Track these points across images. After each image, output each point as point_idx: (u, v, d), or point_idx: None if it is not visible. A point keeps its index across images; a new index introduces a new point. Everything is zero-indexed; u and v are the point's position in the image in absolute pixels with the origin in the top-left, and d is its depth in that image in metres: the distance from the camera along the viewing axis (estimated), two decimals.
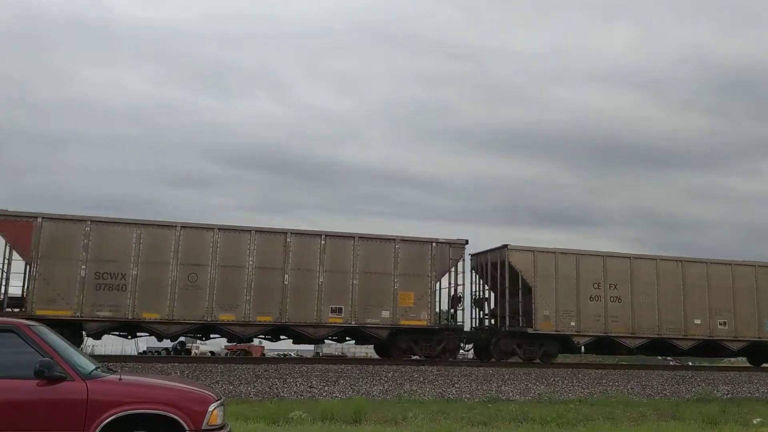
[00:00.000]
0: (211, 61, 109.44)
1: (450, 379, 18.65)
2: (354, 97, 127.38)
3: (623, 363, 23.12)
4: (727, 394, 20.08)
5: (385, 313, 20.15)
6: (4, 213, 18.00)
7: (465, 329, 22.00)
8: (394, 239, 20.56)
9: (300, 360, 19.27)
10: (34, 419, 5.89)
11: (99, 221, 18.55)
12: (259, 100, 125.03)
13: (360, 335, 20.99)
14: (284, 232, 19.74)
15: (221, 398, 6.68)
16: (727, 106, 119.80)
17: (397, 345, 20.58)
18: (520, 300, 21.63)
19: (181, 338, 20.75)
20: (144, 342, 37.10)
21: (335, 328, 20.01)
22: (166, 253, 18.71)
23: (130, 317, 18.35)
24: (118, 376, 6.48)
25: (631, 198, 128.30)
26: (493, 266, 22.51)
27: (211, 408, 6.27)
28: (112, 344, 24.21)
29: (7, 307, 18.05)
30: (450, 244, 21.13)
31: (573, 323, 21.64)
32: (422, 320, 20.41)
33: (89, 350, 22.55)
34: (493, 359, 21.65)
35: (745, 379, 21.55)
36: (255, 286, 19.17)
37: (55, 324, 15.68)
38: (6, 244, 18.16)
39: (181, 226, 18.98)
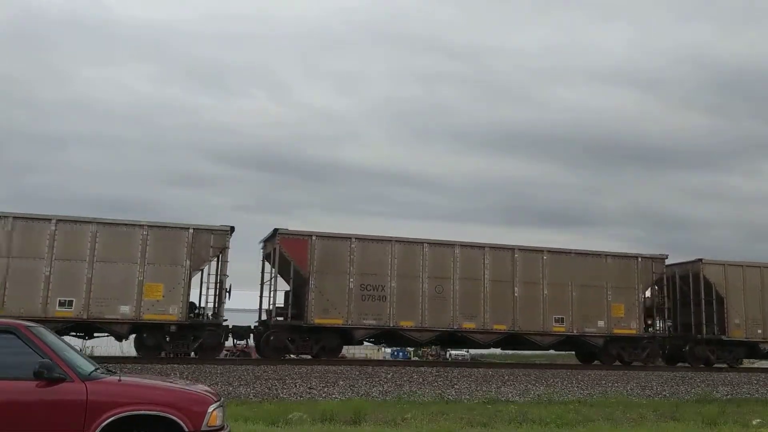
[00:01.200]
0: (210, 60, 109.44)
1: (449, 380, 18.65)
2: (353, 97, 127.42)
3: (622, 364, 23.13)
4: (727, 395, 20.08)
5: (600, 323, 21.86)
6: (286, 232, 19.82)
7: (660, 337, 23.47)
8: (606, 255, 22.38)
9: (299, 361, 19.23)
10: (33, 420, 5.89)
11: (362, 238, 20.38)
12: (259, 99, 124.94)
13: (578, 343, 22.42)
14: (511, 249, 21.59)
15: (221, 399, 6.68)
16: (728, 106, 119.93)
17: (608, 352, 22.27)
18: (714, 310, 23.23)
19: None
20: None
21: (558, 336, 21.61)
22: (416, 267, 20.56)
23: (390, 325, 20.05)
24: (118, 377, 6.47)
25: (631, 197, 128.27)
26: (682, 278, 24.12)
27: (210, 409, 6.27)
28: (111, 345, 24.15)
29: (277, 316, 20.16)
30: (652, 258, 22.79)
31: (759, 330, 23.50)
32: (632, 329, 22.13)
33: (88, 351, 22.58)
34: (686, 364, 23.47)
35: (744, 380, 21.56)
36: (491, 297, 20.93)
37: (330, 330, 19.70)
38: (290, 261, 19.80)
39: (427, 243, 20.85)
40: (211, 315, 19.19)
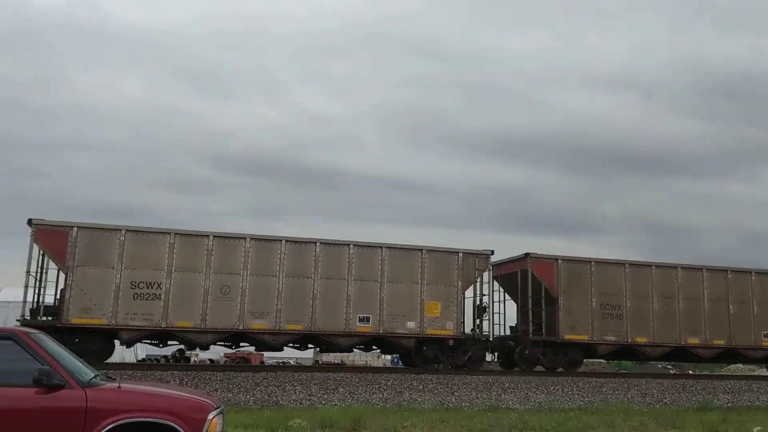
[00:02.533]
0: (207, 65, 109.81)
1: (450, 387, 18.61)
2: (350, 101, 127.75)
3: (623, 371, 23.10)
4: (728, 403, 20.04)
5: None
6: (536, 256, 21.52)
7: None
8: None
9: (299, 368, 19.20)
10: (33, 427, 5.88)
11: (600, 262, 22.15)
12: (255, 104, 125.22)
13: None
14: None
15: (220, 406, 6.67)
16: (726, 112, 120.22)
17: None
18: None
19: (181, 346, 20.68)
20: (143, 350, 36.94)
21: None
22: (646, 287, 22.25)
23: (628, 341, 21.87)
24: (117, 384, 6.45)
25: (629, 203, 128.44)
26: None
27: (210, 416, 6.25)
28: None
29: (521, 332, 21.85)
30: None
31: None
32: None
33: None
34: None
35: (745, 387, 21.51)
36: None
37: (576, 345, 21.40)
38: (542, 282, 21.39)
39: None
40: (472, 331, 20.93)
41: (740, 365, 34.02)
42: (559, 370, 21.36)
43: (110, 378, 6.90)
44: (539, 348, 21.33)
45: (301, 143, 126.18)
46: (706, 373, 28.14)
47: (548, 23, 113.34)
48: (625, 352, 22.71)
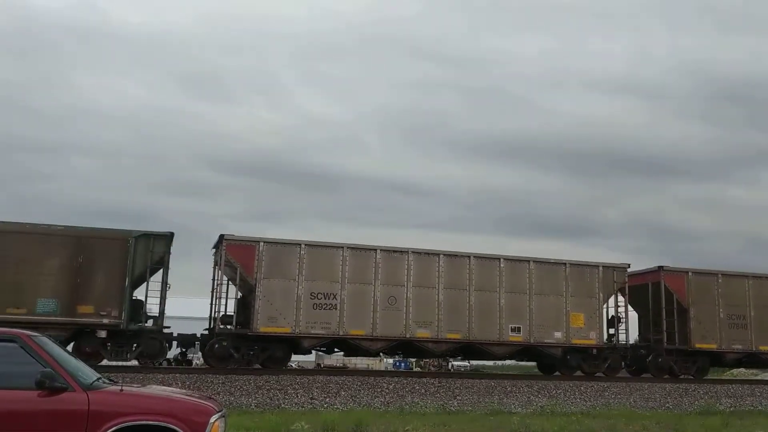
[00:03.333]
0: (207, 67, 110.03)
1: (452, 391, 18.59)
2: (351, 104, 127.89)
3: (624, 376, 23.05)
4: (730, 407, 19.99)
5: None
6: (670, 269, 22.71)
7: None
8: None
9: (301, 371, 19.21)
10: (35, 430, 5.89)
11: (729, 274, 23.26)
12: (256, 106, 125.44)
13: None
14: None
15: (222, 409, 6.67)
16: (727, 115, 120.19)
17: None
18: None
19: (182, 348, 20.72)
20: None
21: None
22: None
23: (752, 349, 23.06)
24: (119, 387, 6.47)
25: (631, 207, 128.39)
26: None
27: (212, 419, 6.26)
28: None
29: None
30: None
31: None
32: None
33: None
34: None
35: (747, 392, 21.47)
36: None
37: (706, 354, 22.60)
38: (674, 294, 22.56)
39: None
40: (608, 340, 22.12)
41: (743, 369, 33.94)
42: (684, 376, 22.51)
43: (112, 381, 6.91)
44: (672, 356, 22.57)
45: (302, 146, 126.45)
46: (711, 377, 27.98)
47: (550, 27, 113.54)
48: (749, 359, 23.96)
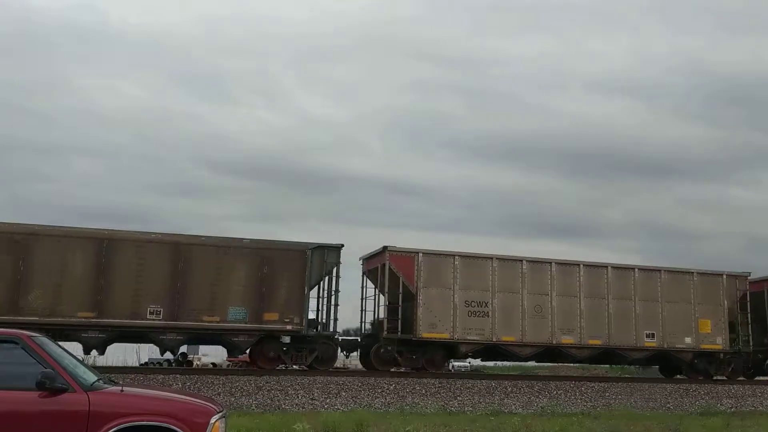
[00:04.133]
0: (207, 68, 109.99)
1: (452, 391, 18.58)
2: (352, 106, 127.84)
3: (627, 376, 23.10)
4: (731, 408, 19.98)
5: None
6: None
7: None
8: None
9: (301, 372, 19.19)
10: (35, 431, 5.88)
11: None
12: (257, 108, 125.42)
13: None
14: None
15: (223, 410, 6.67)
16: (727, 115, 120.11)
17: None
18: None
19: (183, 349, 20.83)
20: (146, 353, 36.94)
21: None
22: None
23: None
24: (120, 388, 6.47)
25: (631, 208, 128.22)
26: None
27: (212, 420, 6.25)
28: (113, 355, 24.22)
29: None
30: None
31: None
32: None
33: (91, 361, 22.57)
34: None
35: (748, 392, 21.45)
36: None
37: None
38: None
39: None
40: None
41: None
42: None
43: (113, 382, 6.90)
44: None
45: (303, 147, 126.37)
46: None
47: (550, 27, 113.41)
48: None
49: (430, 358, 20.29)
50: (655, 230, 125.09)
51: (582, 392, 19.64)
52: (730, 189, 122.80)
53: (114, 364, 21.38)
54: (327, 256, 19.59)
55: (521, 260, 21.16)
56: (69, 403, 5.95)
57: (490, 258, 20.90)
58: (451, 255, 20.63)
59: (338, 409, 16.71)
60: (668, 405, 19.81)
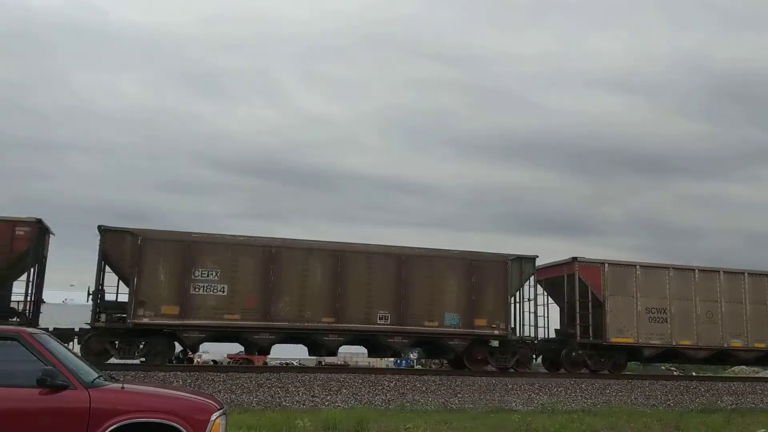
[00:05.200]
0: (207, 66, 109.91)
1: (453, 389, 18.59)
2: (352, 103, 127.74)
3: (627, 373, 23.11)
4: (732, 405, 19.99)
5: None
6: None
7: None
8: None
9: (302, 369, 19.23)
10: (36, 428, 5.89)
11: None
12: (256, 106, 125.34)
13: None
14: None
15: (224, 407, 6.66)
16: (727, 112, 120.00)
17: None
18: None
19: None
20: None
21: None
22: None
23: None
24: (121, 385, 6.47)
25: (632, 205, 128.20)
26: None
27: (213, 417, 6.25)
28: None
29: None
30: None
31: None
32: None
33: None
34: None
35: (749, 389, 21.46)
36: None
37: None
38: None
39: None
40: None
41: (744, 367, 33.98)
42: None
43: (113, 379, 6.90)
44: None
45: (302, 145, 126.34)
46: (710, 374, 28.08)
47: (550, 24, 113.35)
48: None
49: (616, 361, 22.16)
50: (656, 227, 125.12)
51: (582, 389, 19.65)
52: (730, 186, 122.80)
53: (114, 361, 21.29)
54: (524, 266, 21.21)
55: (693, 269, 23.04)
56: (70, 400, 5.94)
57: (666, 268, 22.74)
58: (633, 265, 22.53)
59: (339, 406, 16.72)
60: (668, 402, 19.82)
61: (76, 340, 18.15)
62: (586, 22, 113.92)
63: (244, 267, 18.84)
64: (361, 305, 19.49)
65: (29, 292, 18.81)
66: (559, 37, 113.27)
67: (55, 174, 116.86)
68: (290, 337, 19.66)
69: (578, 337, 21.66)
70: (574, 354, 21.73)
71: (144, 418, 6.03)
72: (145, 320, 17.91)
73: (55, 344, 6.61)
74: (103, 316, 18.17)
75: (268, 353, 21.59)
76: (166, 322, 18.14)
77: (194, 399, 6.60)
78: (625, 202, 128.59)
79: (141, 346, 18.39)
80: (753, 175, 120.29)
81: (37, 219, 18.30)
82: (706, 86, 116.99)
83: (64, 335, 17.64)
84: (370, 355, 23.36)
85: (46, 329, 16.95)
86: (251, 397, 16.95)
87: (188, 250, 18.48)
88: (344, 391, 17.77)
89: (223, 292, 18.54)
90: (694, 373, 23.02)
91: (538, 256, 21.53)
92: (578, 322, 21.74)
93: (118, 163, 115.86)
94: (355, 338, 20.02)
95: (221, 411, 6.45)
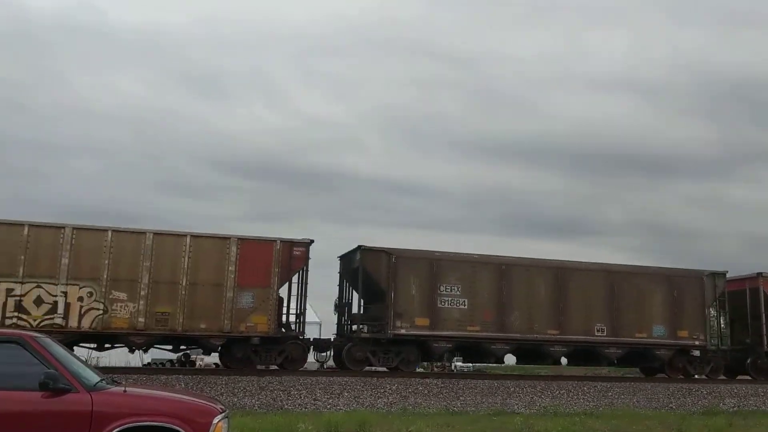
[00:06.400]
0: (207, 67, 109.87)
1: (455, 391, 18.58)
2: (352, 104, 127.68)
3: (629, 376, 23.17)
4: (734, 407, 19.96)
5: None
6: None
7: None
8: None
9: (304, 372, 19.22)
10: (39, 431, 5.90)
11: None
12: (256, 107, 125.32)
13: None
14: None
15: (226, 410, 6.68)
16: (728, 113, 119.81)
17: None
18: None
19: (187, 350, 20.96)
20: (149, 354, 36.93)
21: None
22: None
23: None
24: (123, 388, 6.48)
25: (632, 207, 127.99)
26: None
27: (215, 420, 6.27)
28: (117, 356, 24.22)
29: None
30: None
31: None
32: None
33: (94, 362, 22.62)
34: None
35: (751, 392, 21.43)
36: None
37: None
38: None
39: None
40: None
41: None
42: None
43: (116, 382, 6.92)
44: None
45: (302, 146, 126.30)
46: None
47: (551, 25, 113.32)
48: None
49: None
50: (656, 229, 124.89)
51: (584, 392, 19.63)
52: (731, 187, 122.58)
53: (117, 365, 21.36)
54: (716, 280, 22.72)
55: None
56: (72, 404, 5.96)
57: None
58: None
59: (341, 409, 16.72)
60: (671, 405, 19.80)
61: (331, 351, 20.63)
62: (587, 22, 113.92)
63: (481, 283, 20.69)
64: (581, 318, 21.27)
65: (297, 306, 20.14)
66: (560, 38, 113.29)
67: (54, 174, 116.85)
68: (519, 347, 21.26)
69: (766, 347, 22.91)
70: (759, 362, 23.14)
71: (146, 421, 6.04)
72: (402, 331, 19.73)
73: (57, 348, 6.63)
74: (365, 327, 20.37)
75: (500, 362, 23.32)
76: (419, 332, 19.89)
77: (196, 402, 6.61)
78: (625, 204, 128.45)
79: (396, 355, 20.08)
80: (755, 176, 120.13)
81: (310, 240, 19.68)
82: (707, 87, 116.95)
83: (321, 344, 20.44)
84: (578, 364, 24.71)
85: (308, 339, 20.00)
86: (253, 400, 16.95)
87: (434, 266, 20.35)
88: (346, 394, 17.76)
89: (464, 305, 20.36)
90: (696, 376, 22.80)
91: (727, 272, 23.11)
92: (765, 333, 22.91)
93: (117, 164, 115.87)
94: (575, 349, 21.68)
95: (223, 414, 6.46)
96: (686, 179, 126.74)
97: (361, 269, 20.05)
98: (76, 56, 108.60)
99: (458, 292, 20.28)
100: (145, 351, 19.71)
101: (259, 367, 19.02)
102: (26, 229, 17.18)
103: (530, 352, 21.54)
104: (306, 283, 19.86)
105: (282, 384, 17.66)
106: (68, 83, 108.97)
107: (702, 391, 20.83)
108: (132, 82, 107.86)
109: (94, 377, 6.55)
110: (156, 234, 18.11)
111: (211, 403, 6.63)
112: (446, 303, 20.14)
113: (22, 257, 17.01)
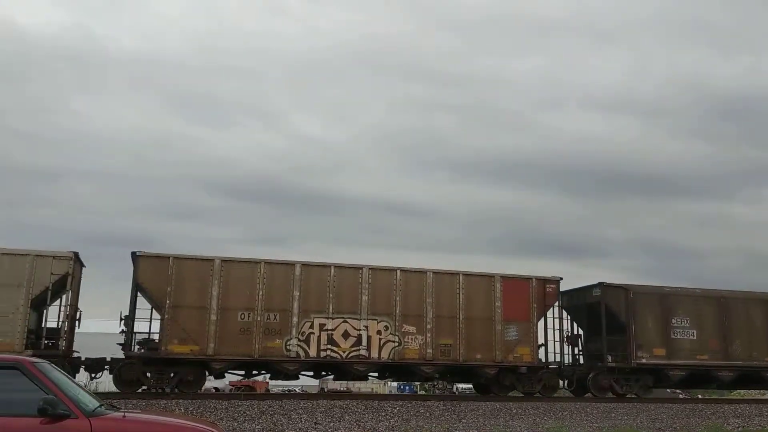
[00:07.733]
0: (204, 92, 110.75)
1: (457, 414, 18.43)
2: (350, 127, 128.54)
3: (632, 396, 22.97)
4: (738, 427, 19.77)
5: None
6: None
7: None
8: None
9: (304, 396, 19.10)
10: None
11: None
12: (255, 130, 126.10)
13: None
14: None
15: None
16: (727, 133, 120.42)
17: None
18: None
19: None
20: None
21: None
22: None
23: None
24: (122, 414, 6.42)
25: (633, 226, 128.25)
26: None
27: None
28: (110, 382, 24.05)
29: None
30: None
31: None
32: None
33: (92, 387, 22.46)
34: None
35: (755, 411, 21.26)
36: None
37: None
38: None
39: None
40: None
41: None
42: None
43: (115, 407, 6.85)
44: None
45: (301, 168, 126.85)
46: (716, 397, 27.92)
47: (547, 45, 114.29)
48: None
49: None
50: (655, 248, 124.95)
51: (588, 413, 19.47)
52: (730, 206, 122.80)
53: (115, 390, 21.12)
54: None
55: None
56: (71, 429, 5.89)
57: None
58: None
59: None
60: (674, 425, 19.61)
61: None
62: (582, 42, 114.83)
63: (705, 315, 23.10)
64: None
65: (555, 339, 22.70)
66: (555, 58, 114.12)
67: (54, 200, 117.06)
68: (743, 374, 23.45)
69: None
70: None
71: None
72: (643, 360, 22.32)
73: (56, 374, 6.58)
74: (610, 357, 22.42)
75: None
76: (657, 362, 22.50)
77: (196, 426, 6.54)
78: (624, 223, 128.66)
79: (635, 382, 22.69)
80: (755, 195, 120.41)
81: (560, 278, 22.22)
82: (703, 106, 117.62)
83: (564, 372, 22.67)
84: None
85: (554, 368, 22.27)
86: (253, 425, 16.80)
87: (665, 301, 22.88)
88: (347, 417, 17.62)
89: (693, 336, 22.86)
90: (699, 396, 22.75)
91: None
92: None
93: (116, 189, 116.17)
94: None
95: None
96: (686, 198, 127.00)
97: (603, 304, 22.62)
98: (75, 82, 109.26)
99: (687, 324, 22.84)
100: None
101: (512, 394, 21.58)
102: (332, 270, 20.16)
103: (749, 377, 23.73)
104: (562, 318, 22.67)
105: (282, 408, 17.52)
106: (68, 109, 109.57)
107: (706, 411, 20.66)
108: (130, 107, 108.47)
109: (93, 402, 6.49)
110: (435, 273, 20.85)
111: (210, 428, 6.56)
112: (678, 334, 22.72)
113: (331, 295, 19.91)
